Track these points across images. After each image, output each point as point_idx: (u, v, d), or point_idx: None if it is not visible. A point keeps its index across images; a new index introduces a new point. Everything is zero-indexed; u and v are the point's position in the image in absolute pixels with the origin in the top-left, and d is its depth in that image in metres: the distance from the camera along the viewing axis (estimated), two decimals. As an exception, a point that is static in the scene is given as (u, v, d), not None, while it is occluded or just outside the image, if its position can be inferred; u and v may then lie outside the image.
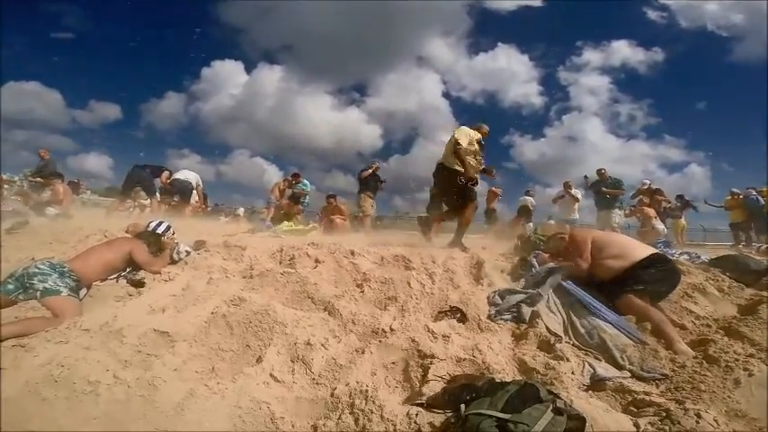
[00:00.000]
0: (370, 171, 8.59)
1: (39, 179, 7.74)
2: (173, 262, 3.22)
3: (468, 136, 4.39)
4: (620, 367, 1.97)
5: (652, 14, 30.43)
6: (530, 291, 2.55)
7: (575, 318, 2.35)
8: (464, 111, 38.47)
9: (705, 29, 30.33)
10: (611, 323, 2.30)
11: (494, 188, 8.95)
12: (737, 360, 1.93)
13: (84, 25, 39.59)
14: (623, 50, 32.72)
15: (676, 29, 31.42)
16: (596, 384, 1.84)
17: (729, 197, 9.03)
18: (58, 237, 3.60)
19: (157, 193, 7.75)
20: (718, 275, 3.09)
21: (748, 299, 2.79)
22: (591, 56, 34.01)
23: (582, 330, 2.26)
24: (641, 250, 2.65)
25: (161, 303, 2.53)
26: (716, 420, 1.49)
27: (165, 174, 7.81)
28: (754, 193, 8.46)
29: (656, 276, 2.50)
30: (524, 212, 8.46)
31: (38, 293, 2.38)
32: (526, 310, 2.37)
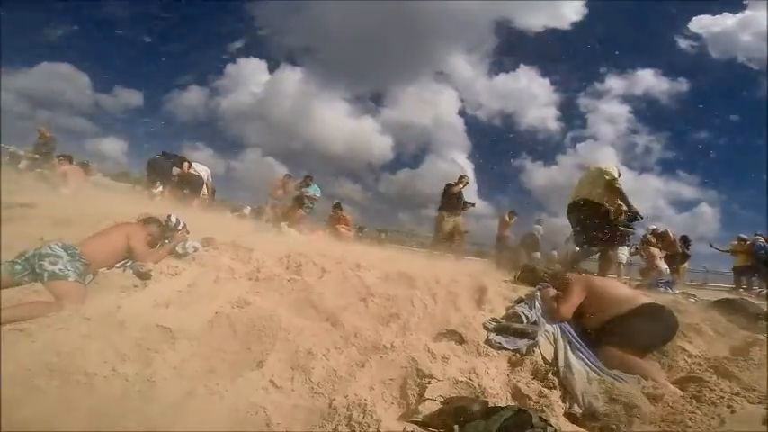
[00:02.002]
0: (461, 186, 7.48)
1: (36, 156, 7.84)
2: (179, 256, 3.25)
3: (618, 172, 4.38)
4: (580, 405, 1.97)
5: (683, 43, 30.36)
6: (526, 326, 2.55)
7: (560, 352, 2.37)
8: (479, 131, 38.46)
9: (735, 60, 30.23)
10: (587, 362, 2.31)
11: (507, 215, 8.87)
12: (722, 398, 1.97)
13: (123, 12, 40.27)
14: (648, 79, 32.57)
15: (706, 59, 31.36)
16: (589, 416, 1.86)
17: (736, 242, 9.12)
18: (68, 220, 3.64)
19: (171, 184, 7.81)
20: (715, 317, 3.13)
21: (742, 340, 2.82)
22: (613, 83, 33.91)
23: (561, 363, 2.28)
24: (631, 301, 2.64)
25: (166, 298, 2.55)
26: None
27: (186, 164, 7.88)
28: (762, 240, 8.50)
29: (640, 328, 2.48)
30: (531, 241, 8.39)
31: (45, 275, 2.38)
32: (522, 343, 2.39)
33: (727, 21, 29.90)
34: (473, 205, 7.98)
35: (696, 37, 30.25)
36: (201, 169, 8.03)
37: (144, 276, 2.82)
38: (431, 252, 7.31)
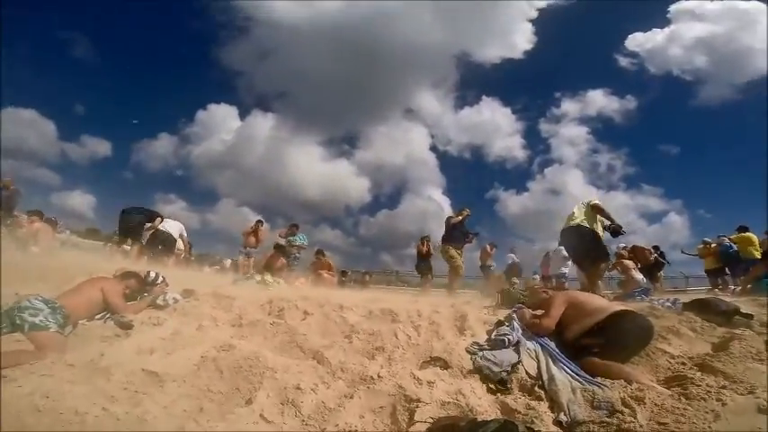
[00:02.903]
0: (460, 219, 7.64)
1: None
2: (160, 308, 3.24)
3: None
4: (566, 414, 2.04)
5: (623, 61, 33.24)
6: (504, 348, 2.65)
7: (543, 366, 2.47)
8: (450, 165, 39.89)
9: (671, 74, 33.10)
10: (569, 372, 2.41)
11: (488, 246, 9.16)
12: (710, 392, 2.05)
13: (89, 56, 40.21)
14: (599, 99, 35.18)
15: (646, 75, 34.26)
16: (574, 424, 1.93)
17: (702, 246, 9.37)
18: (43, 275, 3.59)
19: (143, 241, 7.66)
20: (691, 317, 3.26)
21: (721, 337, 2.95)
22: (569, 106, 36.37)
23: (545, 377, 2.37)
24: (607, 310, 2.80)
25: (149, 345, 2.53)
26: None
27: (158, 219, 7.78)
28: (727, 240, 8.74)
29: (617, 335, 2.62)
30: (511, 271, 8.64)
31: (26, 326, 2.38)
32: (507, 359, 2.48)
33: (657, 36, 33.44)
34: (477, 234, 8.24)
35: (634, 54, 33.45)
36: (174, 226, 7.89)
37: (125, 327, 2.80)
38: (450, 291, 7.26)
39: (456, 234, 7.50)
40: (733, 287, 8.01)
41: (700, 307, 3.47)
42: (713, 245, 9.03)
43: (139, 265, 5.53)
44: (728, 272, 8.76)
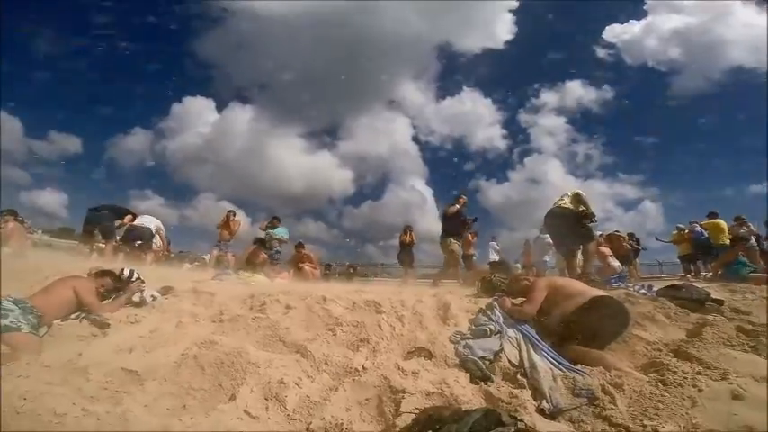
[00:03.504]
0: (458, 207, 7.25)
1: None
2: (138, 305, 3.17)
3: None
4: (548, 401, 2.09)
5: (600, 53, 33.85)
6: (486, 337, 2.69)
7: (525, 354, 2.53)
8: (433, 155, 40.06)
9: (646, 65, 33.97)
10: (550, 360, 2.48)
11: (469, 235, 9.20)
12: (686, 378, 2.14)
13: (55, 49, 38.05)
14: (577, 90, 35.75)
15: (622, 66, 35.08)
16: (556, 411, 1.99)
17: (675, 232, 9.63)
18: (16, 275, 3.46)
19: (116, 238, 7.35)
20: (665, 303, 3.37)
21: (695, 323, 3.06)
22: (548, 97, 36.88)
23: (527, 365, 2.43)
24: (584, 294, 2.90)
25: (128, 344, 2.49)
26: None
27: (129, 217, 7.49)
28: (698, 227, 9.00)
29: (593, 320, 2.70)
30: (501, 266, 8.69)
31: None
32: (490, 346, 2.53)
33: (634, 28, 34.09)
34: (475, 220, 8.15)
35: (611, 45, 34.06)
36: (151, 221, 7.63)
37: (102, 326, 2.74)
38: (435, 282, 7.07)
39: (455, 224, 7.23)
40: (704, 273, 8.31)
41: (673, 293, 3.60)
42: (686, 231, 9.26)
43: (115, 263, 5.37)
44: (700, 259, 9.05)
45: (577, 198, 5.48)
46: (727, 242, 8.00)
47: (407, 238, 8.74)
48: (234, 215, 9.53)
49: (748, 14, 32.16)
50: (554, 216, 5.65)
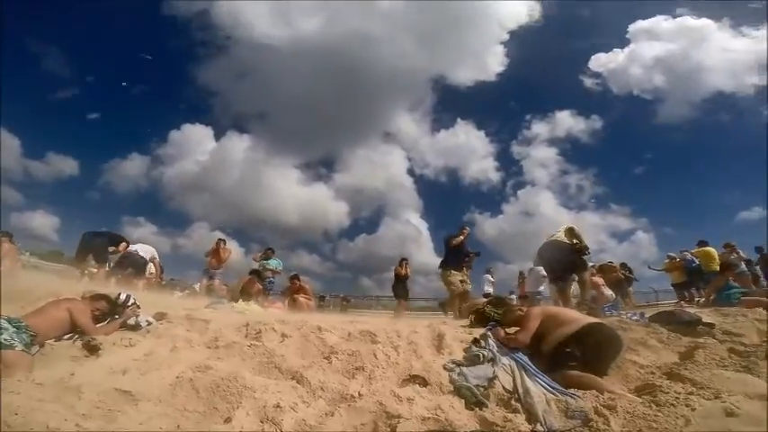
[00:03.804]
0: (461, 239, 7.20)
1: None
2: (133, 329, 3.14)
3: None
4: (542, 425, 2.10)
5: (588, 82, 34.88)
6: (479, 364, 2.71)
7: (518, 380, 2.54)
8: (427, 188, 40.39)
9: (632, 93, 34.95)
10: (543, 385, 2.49)
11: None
12: (678, 398, 2.17)
13: (59, 70, 38.70)
14: (566, 120, 36.53)
15: (609, 95, 36.10)
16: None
17: (667, 261, 9.70)
18: (7, 296, 3.43)
19: (110, 264, 7.32)
20: (657, 329, 3.42)
21: (687, 346, 3.09)
22: (539, 128, 37.73)
23: (520, 390, 2.43)
24: (578, 322, 2.93)
25: (122, 366, 2.46)
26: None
27: (123, 245, 7.47)
28: (689, 255, 9.09)
29: (587, 346, 2.72)
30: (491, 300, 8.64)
31: None
32: (484, 373, 2.54)
33: (618, 56, 35.03)
34: (478, 254, 8.08)
35: (597, 75, 35.16)
36: (146, 250, 7.60)
37: (92, 349, 2.70)
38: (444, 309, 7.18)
39: (457, 255, 7.16)
40: (698, 299, 8.29)
41: (665, 318, 3.67)
42: (678, 260, 9.40)
43: (108, 287, 5.30)
44: (693, 286, 9.04)
45: (571, 232, 5.69)
46: (717, 269, 8.03)
47: (403, 271, 8.64)
48: (224, 243, 9.46)
49: (724, 39, 33.12)
50: (548, 249, 5.82)
